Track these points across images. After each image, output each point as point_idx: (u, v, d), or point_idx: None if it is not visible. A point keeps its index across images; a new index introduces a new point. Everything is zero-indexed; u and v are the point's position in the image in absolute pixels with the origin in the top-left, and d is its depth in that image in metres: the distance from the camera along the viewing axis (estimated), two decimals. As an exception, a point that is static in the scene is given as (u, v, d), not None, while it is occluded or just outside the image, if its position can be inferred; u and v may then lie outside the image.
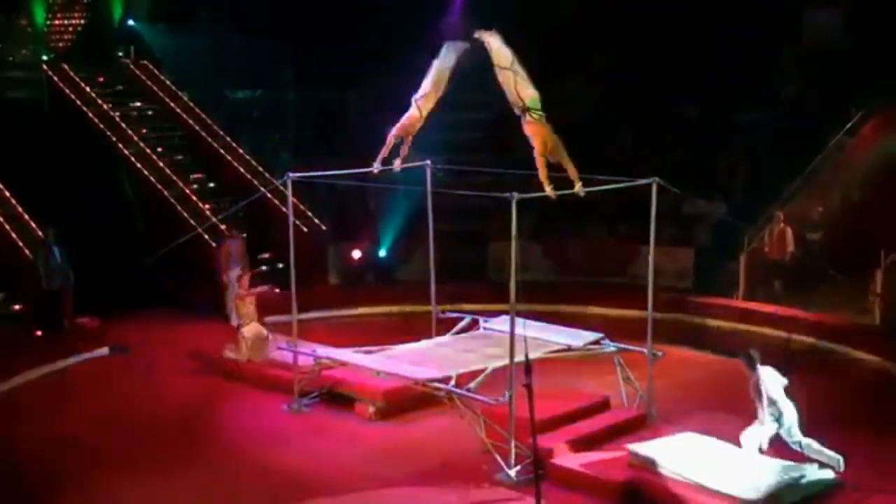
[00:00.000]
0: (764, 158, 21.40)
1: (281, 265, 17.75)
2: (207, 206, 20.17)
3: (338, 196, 21.79)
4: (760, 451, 10.68)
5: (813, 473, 10.34)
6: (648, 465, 10.63)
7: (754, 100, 22.44)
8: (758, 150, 21.61)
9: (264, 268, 15.58)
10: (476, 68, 25.22)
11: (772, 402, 10.54)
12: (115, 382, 15.25)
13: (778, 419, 10.59)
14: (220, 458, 12.08)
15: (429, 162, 14.82)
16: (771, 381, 10.60)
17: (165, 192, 20.54)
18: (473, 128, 23.81)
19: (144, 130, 22.50)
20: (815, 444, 10.65)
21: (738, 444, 10.86)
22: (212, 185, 21.66)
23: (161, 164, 21.32)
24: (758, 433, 10.66)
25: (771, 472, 10.26)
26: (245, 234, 18.66)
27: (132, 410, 13.80)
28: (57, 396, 14.64)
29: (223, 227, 18.53)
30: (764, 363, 10.82)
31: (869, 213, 19.27)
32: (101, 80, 23.90)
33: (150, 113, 23.46)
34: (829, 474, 10.42)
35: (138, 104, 23.60)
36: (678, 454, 10.69)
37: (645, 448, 10.88)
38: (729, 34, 23.48)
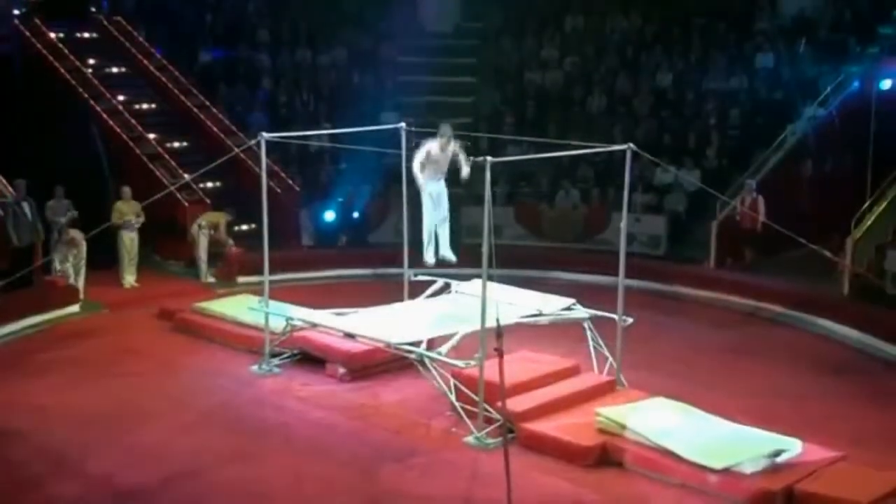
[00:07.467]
0: (738, 127, 21.45)
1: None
2: (178, 164, 20.03)
3: (311, 157, 21.70)
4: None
5: (781, 444, 10.36)
6: (617, 429, 10.72)
7: (728, 69, 22.43)
8: (731, 119, 21.64)
9: (232, 245, 15.50)
10: (463, 32, 25.01)
11: None
12: (84, 340, 15.21)
13: None
14: (188, 417, 12.03)
15: (403, 124, 14.76)
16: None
17: (137, 150, 20.40)
18: (455, 92, 23.69)
19: (116, 87, 22.28)
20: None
21: (707, 410, 10.92)
22: (184, 143, 21.50)
23: (133, 121, 21.14)
24: None
25: (739, 440, 10.36)
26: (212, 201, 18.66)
27: (101, 368, 13.77)
28: (25, 354, 14.57)
29: (194, 185, 18.43)
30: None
31: (840, 182, 19.39)
32: (74, 34, 23.60)
33: (122, 69, 23.22)
34: (796, 444, 10.41)
35: (111, 60, 23.34)
36: (647, 419, 10.77)
37: (614, 412, 10.96)
38: (704, 3, 23.55)
